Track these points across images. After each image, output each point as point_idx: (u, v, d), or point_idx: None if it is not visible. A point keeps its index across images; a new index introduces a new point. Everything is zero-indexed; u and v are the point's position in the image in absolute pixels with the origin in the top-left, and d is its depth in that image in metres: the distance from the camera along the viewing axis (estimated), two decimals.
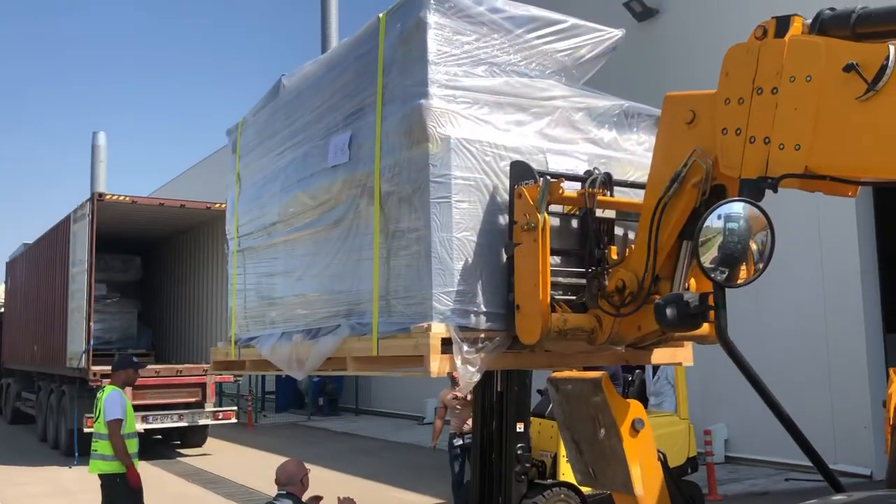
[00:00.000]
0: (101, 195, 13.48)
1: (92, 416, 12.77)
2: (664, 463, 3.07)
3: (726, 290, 3.07)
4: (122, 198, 13.73)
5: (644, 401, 11.47)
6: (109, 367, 12.97)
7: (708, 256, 2.75)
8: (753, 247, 2.74)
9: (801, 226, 10.24)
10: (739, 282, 2.77)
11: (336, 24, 23.39)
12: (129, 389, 7.24)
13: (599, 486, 3.18)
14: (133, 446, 6.66)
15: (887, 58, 3.04)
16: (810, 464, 3.01)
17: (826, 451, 8.75)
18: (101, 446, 6.58)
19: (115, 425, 6.53)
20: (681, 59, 12.22)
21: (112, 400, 6.67)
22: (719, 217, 2.76)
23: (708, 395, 11.14)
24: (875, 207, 10.29)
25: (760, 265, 2.76)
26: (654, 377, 11.95)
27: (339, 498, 4.59)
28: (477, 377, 4.24)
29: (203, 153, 39.51)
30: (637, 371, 9.22)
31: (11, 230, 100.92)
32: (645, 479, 2.94)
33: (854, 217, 10.01)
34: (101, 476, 6.62)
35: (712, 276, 2.77)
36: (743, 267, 2.76)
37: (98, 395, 6.96)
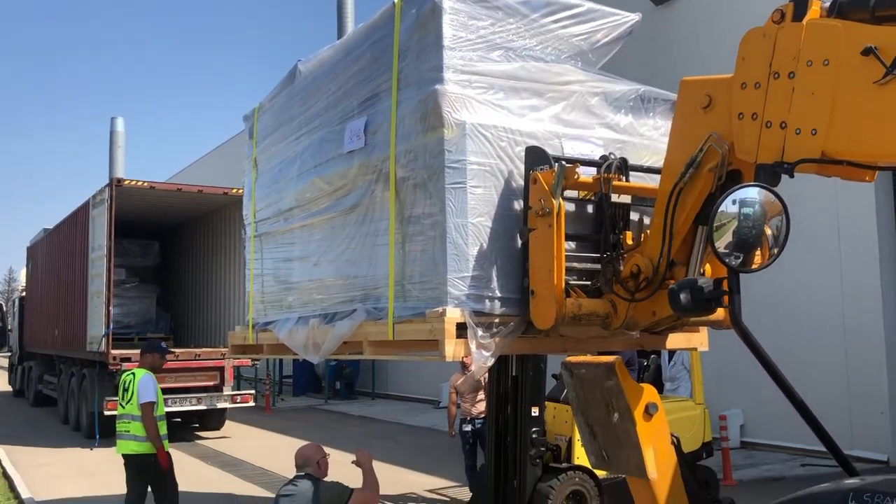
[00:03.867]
0: (119, 181, 13.57)
1: (115, 399, 13.07)
2: (678, 447, 3.09)
3: (742, 275, 3.07)
4: (140, 183, 13.82)
5: (660, 386, 11.47)
6: (128, 351, 13.22)
7: (722, 241, 2.75)
8: (768, 232, 2.74)
9: (820, 212, 10.16)
10: (754, 267, 2.77)
11: (352, 9, 23.34)
12: None
13: (613, 470, 3.20)
14: (163, 428, 6.83)
15: None
16: (826, 450, 3.02)
17: (842, 437, 8.73)
18: (134, 427, 6.75)
19: (148, 408, 6.70)
20: (698, 43, 12.10)
21: (145, 383, 6.82)
22: (734, 202, 2.75)
23: (724, 380, 11.11)
24: (895, 193, 10.18)
25: (775, 250, 2.75)
26: (669, 362, 11.93)
27: (355, 451, 4.68)
28: (491, 361, 4.27)
29: (220, 139, 39.68)
30: (652, 356, 9.21)
31: (32, 216, 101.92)
32: (658, 462, 2.95)
33: (873, 203, 9.92)
34: (130, 456, 6.81)
35: (727, 261, 2.77)
36: (758, 252, 2.76)
37: (123, 377, 7.10)
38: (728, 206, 2.75)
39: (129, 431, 6.79)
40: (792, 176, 3.34)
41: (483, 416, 8.16)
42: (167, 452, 6.78)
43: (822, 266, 10.35)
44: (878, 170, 3.50)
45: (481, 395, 8.35)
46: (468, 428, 8.51)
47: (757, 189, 2.80)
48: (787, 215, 2.75)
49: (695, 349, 5.38)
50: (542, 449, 7.13)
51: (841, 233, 10.24)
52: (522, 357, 7.17)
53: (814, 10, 3.43)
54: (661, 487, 2.93)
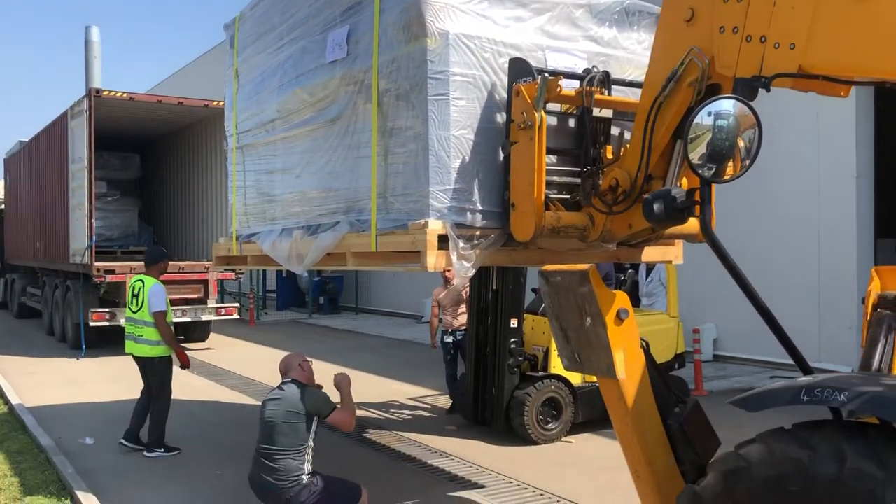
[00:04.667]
0: (98, 91, 13.31)
1: (101, 310, 13.21)
2: (647, 351, 3.23)
3: (720, 187, 3.15)
4: (119, 94, 13.58)
5: (636, 301, 11.75)
6: (112, 264, 13.28)
7: (697, 153, 2.82)
8: (741, 144, 2.81)
9: (800, 129, 10.22)
10: (726, 178, 2.85)
11: None
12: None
13: (585, 371, 3.35)
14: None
15: None
16: (788, 354, 3.17)
17: (811, 351, 9.04)
18: (147, 332, 7.11)
19: (160, 316, 7.07)
20: None
21: (155, 292, 7.12)
22: (709, 114, 2.80)
23: (698, 295, 11.38)
24: (875, 111, 10.24)
25: (747, 162, 2.82)
26: (647, 278, 12.19)
27: (334, 375, 4.81)
28: (472, 272, 4.38)
29: (201, 49, 38.71)
30: (629, 271, 9.42)
31: (6, 128, 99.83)
32: (627, 364, 3.10)
33: (853, 120, 9.98)
34: (141, 358, 7.23)
35: (699, 171, 2.84)
36: (730, 163, 2.83)
37: (132, 283, 7.35)
38: (703, 118, 2.81)
39: (142, 336, 7.16)
40: (768, 90, 3.39)
41: (464, 328, 8.37)
42: (186, 353, 7.35)
43: (801, 183, 10.49)
44: (854, 84, 3.56)
45: (463, 308, 8.54)
46: (449, 339, 8.73)
47: (732, 101, 2.86)
48: (759, 128, 2.82)
49: (670, 262, 5.52)
50: (520, 359, 7.37)
51: (820, 150, 10.34)
52: (503, 271, 7.34)
53: None
54: (630, 387, 3.08)
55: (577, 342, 3.18)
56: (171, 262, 9.15)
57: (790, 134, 10.17)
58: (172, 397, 7.36)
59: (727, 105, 2.83)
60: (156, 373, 7.20)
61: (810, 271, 10.40)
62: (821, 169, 10.32)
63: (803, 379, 2.49)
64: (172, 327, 7.27)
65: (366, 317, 20.41)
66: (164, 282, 7.35)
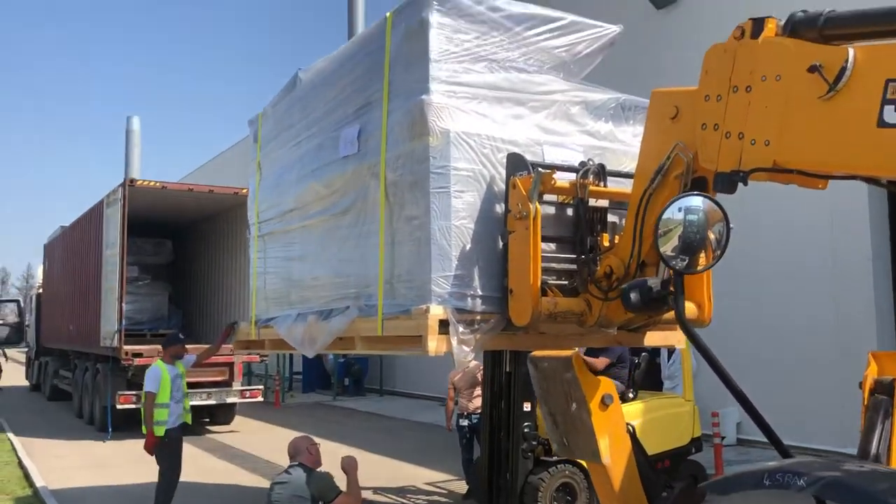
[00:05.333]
0: (132, 181, 13.92)
1: (127, 393, 13.42)
2: (633, 436, 3.33)
3: (693, 274, 3.29)
4: (153, 183, 14.16)
5: (658, 384, 11.67)
6: (141, 347, 13.57)
7: (669, 246, 2.99)
8: (711, 236, 2.97)
9: (814, 212, 10.33)
10: (699, 268, 3.00)
11: (363, 11, 23.55)
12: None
13: (572, 456, 3.45)
14: (163, 415, 7.33)
15: (846, 60, 3.23)
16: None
17: (834, 435, 8.87)
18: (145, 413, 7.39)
19: (146, 397, 7.34)
20: (698, 46, 12.27)
21: (149, 374, 7.44)
22: (679, 210, 2.99)
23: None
24: (889, 196, 10.33)
25: (718, 252, 2.98)
26: (669, 361, 12.13)
27: (342, 458, 4.91)
28: (471, 356, 4.53)
29: (233, 139, 40.11)
30: (644, 354, 9.41)
31: (51, 213, 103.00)
32: (613, 449, 3.20)
33: (867, 200, 10.08)
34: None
35: (672, 263, 3.00)
36: (702, 254, 2.99)
37: None
38: (674, 213, 2.99)
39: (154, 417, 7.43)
40: (746, 184, 3.58)
41: (479, 411, 8.41)
42: (153, 439, 7.29)
43: (816, 266, 10.52)
44: (829, 178, 3.74)
45: (478, 391, 8.59)
46: (465, 423, 8.76)
47: (700, 198, 3.04)
48: (727, 221, 2.99)
49: (672, 346, 5.61)
50: (534, 443, 7.36)
51: (834, 232, 10.40)
52: (515, 354, 7.42)
53: (770, 28, 3.67)
54: (616, 471, 3.17)
55: (565, 427, 3.30)
56: (198, 345, 9.43)
57: (804, 215, 10.28)
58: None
59: (696, 201, 3.01)
60: (160, 452, 7.37)
61: (829, 352, 10.32)
62: (837, 250, 10.37)
63: (770, 463, 2.58)
64: (168, 412, 7.36)
65: (390, 399, 20.38)
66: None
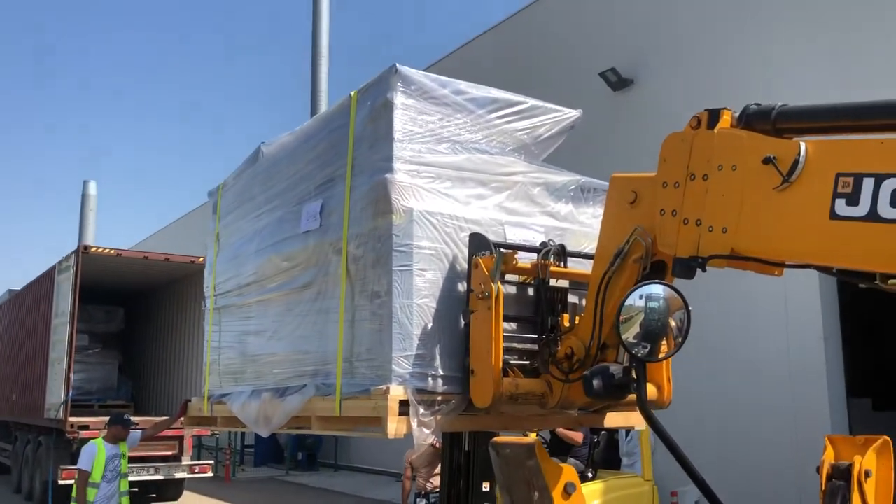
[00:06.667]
0: (86, 248, 13.69)
1: (70, 468, 12.89)
2: None
3: (655, 362, 3.31)
4: (107, 250, 13.93)
5: (617, 461, 11.60)
6: (87, 419, 13.10)
7: (630, 333, 3.00)
8: (672, 324, 3.00)
9: (767, 293, 10.55)
10: (661, 356, 3.02)
11: (326, 87, 23.91)
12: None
13: None
14: (90, 495, 7.23)
15: (799, 153, 3.35)
16: None
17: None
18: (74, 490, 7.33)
19: (79, 475, 7.25)
20: (656, 128, 12.63)
21: (84, 451, 7.34)
22: (640, 297, 3.01)
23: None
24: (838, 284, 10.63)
25: (679, 339, 3.00)
26: (626, 438, 12.09)
27: None
28: (431, 439, 4.46)
29: (189, 206, 39.93)
30: (602, 433, 9.38)
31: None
32: None
33: (817, 283, 10.34)
34: None
35: (633, 351, 3.01)
36: (664, 342, 3.01)
37: None
38: (635, 301, 3.02)
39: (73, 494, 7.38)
40: (704, 270, 3.64)
41: (437, 490, 8.23)
42: None
43: (770, 347, 10.68)
44: (785, 266, 3.82)
45: (437, 470, 8.44)
46: (422, 502, 8.58)
47: (661, 286, 3.08)
48: (688, 309, 3.02)
49: (633, 428, 5.59)
50: None
51: (789, 313, 10.61)
52: (474, 433, 7.32)
53: (725, 119, 3.80)
54: None
55: None
56: (147, 418, 9.25)
57: (759, 296, 10.49)
58: None
59: (657, 289, 3.05)
60: None
61: (785, 434, 10.40)
62: (789, 331, 10.56)
63: None
64: (95, 492, 7.24)
65: (345, 474, 19.90)
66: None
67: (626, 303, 3.01)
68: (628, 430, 12.15)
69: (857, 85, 9.66)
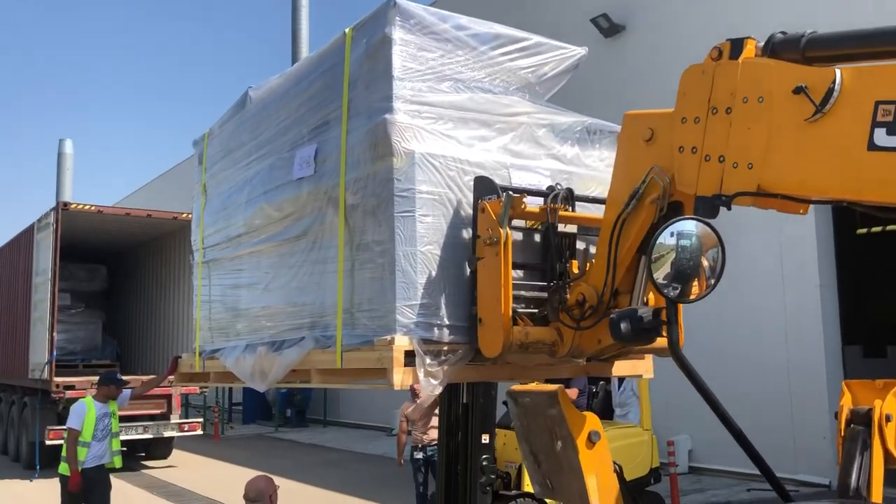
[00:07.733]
0: (65, 204, 13.33)
1: (57, 428, 12.75)
2: (620, 475, 3.13)
3: (687, 304, 3.14)
4: (87, 207, 13.58)
5: (610, 412, 11.59)
6: (72, 379, 12.92)
7: (661, 273, 2.82)
8: (705, 263, 2.82)
9: (763, 240, 10.44)
10: (692, 297, 2.85)
11: (306, 36, 23.36)
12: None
13: (556, 497, 3.23)
14: (81, 454, 7.13)
15: (834, 81, 3.14)
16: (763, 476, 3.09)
17: (787, 462, 8.91)
18: (64, 449, 7.22)
19: (68, 433, 7.12)
20: (647, 75, 12.42)
21: (73, 410, 7.21)
22: (672, 234, 2.83)
23: (672, 406, 11.26)
24: (834, 220, 10.52)
25: (712, 281, 2.83)
26: (619, 388, 12.06)
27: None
28: (439, 389, 4.28)
29: (171, 162, 39.24)
30: (601, 383, 9.32)
31: None
32: (601, 490, 2.99)
33: (814, 230, 10.23)
34: (61, 476, 7.31)
35: (665, 291, 2.84)
36: (695, 283, 2.83)
37: None
38: (666, 239, 2.83)
39: (63, 453, 7.24)
40: (729, 208, 3.45)
41: (434, 443, 8.14)
42: (77, 478, 7.10)
43: (765, 294, 10.61)
44: (812, 203, 3.64)
45: (434, 422, 8.33)
46: (419, 455, 8.49)
47: (694, 222, 2.89)
48: (722, 247, 2.84)
49: (640, 376, 5.46)
50: (492, 476, 7.10)
51: (784, 261, 10.53)
52: (473, 384, 7.17)
53: (749, 49, 3.57)
54: None
55: (548, 466, 3.08)
56: (134, 377, 9.10)
57: (754, 246, 10.37)
58: None
59: (689, 226, 2.86)
60: (64, 493, 7.15)
61: (780, 382, 10.40)
62: (785, 279, 10.49)
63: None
64: (86, 451, 7.15)
65: (334, 429, 19.90)
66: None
67: (658, 240, 2.82)
68: (621, 381, 12.13)
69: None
